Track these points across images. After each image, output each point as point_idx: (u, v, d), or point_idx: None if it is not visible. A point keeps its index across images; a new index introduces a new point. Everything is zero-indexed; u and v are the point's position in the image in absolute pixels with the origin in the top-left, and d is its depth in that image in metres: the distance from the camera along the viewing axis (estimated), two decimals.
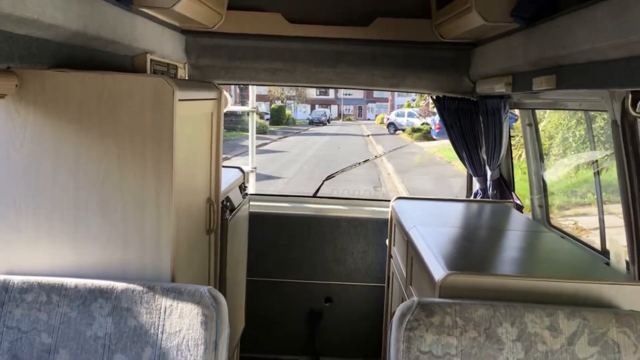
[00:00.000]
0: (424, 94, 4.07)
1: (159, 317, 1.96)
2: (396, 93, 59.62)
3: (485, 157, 3.94)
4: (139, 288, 2.00)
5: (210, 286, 2.05)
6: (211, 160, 2.86)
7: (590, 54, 2.05)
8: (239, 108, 6.76)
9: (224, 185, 3.18)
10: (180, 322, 1.94)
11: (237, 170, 3.83)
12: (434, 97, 3.94)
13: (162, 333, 1.94)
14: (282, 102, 53.61)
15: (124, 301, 1.99)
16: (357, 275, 4.32)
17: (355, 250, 4.30)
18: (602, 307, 2.05)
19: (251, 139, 4.95)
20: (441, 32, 3.54)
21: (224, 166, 3.59)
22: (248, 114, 5.06)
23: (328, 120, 52.96)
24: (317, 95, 61.26)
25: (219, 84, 3.11)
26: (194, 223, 2.64)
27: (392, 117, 43.62)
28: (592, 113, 3.38)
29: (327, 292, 4.34)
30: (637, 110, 2.12)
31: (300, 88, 55.91)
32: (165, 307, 1.97)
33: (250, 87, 5.03)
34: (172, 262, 2.19)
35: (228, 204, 3.23)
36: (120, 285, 2.01)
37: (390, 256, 3.67)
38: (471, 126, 3.91)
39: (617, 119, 2.24)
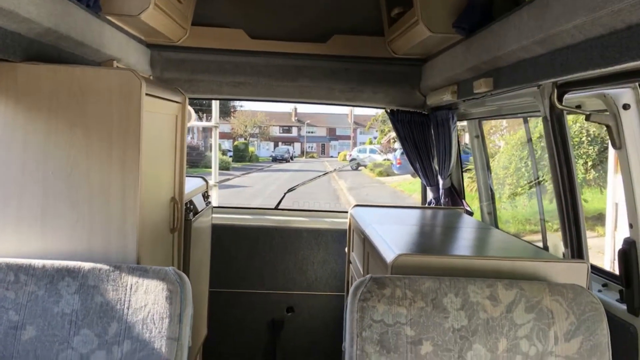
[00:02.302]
0: (379, 107, 4.30)
1: (125, 294, 2.05)
2: (358, 131, 60.70)
3: (437, 167, 4.17)
4: (105, 267, 2.10)
5: (173, 267, 2.16)
6: (175, 161, 2.98)
7: (520, 52, 2.30)
8: (202, 124, 6.89)
9: (187, 190, 3.29)
10: (145, 297, 2.04)
11: (200, 179, 3.95)
12: (388, 111, 4.18)
13: (128, 308, 2.03)
14: (245, 139, 53.79)
15: (90, 279, 2.07)
16: (318, 284, 4.44)
17: (316, 261, 4.43)
18: None
19: (214, 155, 5.09)
20: (393, 48, 3.80)
21: (188, 175, 3.71)
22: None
23: (291, 158, 53.29)
24: (280, 133, 61.78)
25: None
26: (158, 219, 2.74)
27: (354, 153, 44.33)
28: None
29: (289, 302, 4.43)
30: (562, 103, 2.37)
31: (263, 126, 56.37)
32: (131, 284, 2.06)
33: (213, 102, 5.20)
34: (137, 249, 2.29)
35: (192, 206, 3.33)
36: (87, 265, 2.10)
37: (349, 262, 3.81)
38: (423, 138, 4.15)
39: (547, 114, 2.49)
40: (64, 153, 2.24)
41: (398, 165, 29.42)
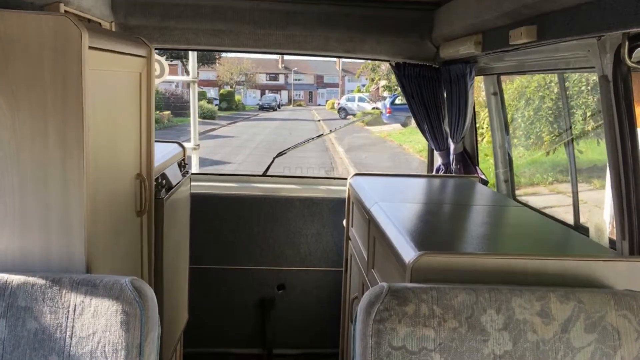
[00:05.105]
0: (383, 60, 3.73)
1: (67, 318, 1.55)
2: (346, 78, 59.48)
3: (448, 129, 3.66)
4: (40, 282, 1.59)
5: (133, 277, 1.65)
6: (141, 129, 2.44)
7: None
8: (177, 78, 6.25)
9: (158, 161, 2.76)
10: (94, 322, 1.54)
11: (175, 145, 3.40)
12: (394, 64, 3.61)
13: (72, 337, 1.54)
14: (231, 87, 52.45)
15: (21, 299, 1.57)
16: (312, 259, 3.98)
17: (309, 233, 3.96)
18: (595, 287, 1.79)
19: (193, 113, 4.50)
20: None
21: (160, 141, 3.17)
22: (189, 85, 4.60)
23: (278, 106, 52.22)
24: (267, 80, 60.40)
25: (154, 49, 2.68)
26: (120, 202, 2.23)
27: (343, 102, 43.39)
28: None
29: (280, 279, 3.99)
30: (632, 59, 1.85)
31: (250, 73, 54.93)
32: (75, 305, 1.56)
33: (190, 53, 4.57)
34: (86, 249, 1.78)
35: (164, 181, 2.81)
36: (16, 279, 1.59)
37: (348, 238, 3.35)
38: (433, 96, 3.61)
39: (608, 74, 1.97)
40: None
41: (388, 115, 28.73)
